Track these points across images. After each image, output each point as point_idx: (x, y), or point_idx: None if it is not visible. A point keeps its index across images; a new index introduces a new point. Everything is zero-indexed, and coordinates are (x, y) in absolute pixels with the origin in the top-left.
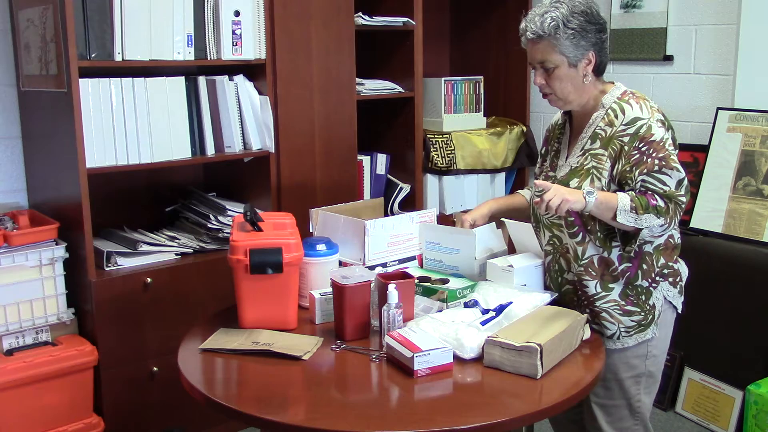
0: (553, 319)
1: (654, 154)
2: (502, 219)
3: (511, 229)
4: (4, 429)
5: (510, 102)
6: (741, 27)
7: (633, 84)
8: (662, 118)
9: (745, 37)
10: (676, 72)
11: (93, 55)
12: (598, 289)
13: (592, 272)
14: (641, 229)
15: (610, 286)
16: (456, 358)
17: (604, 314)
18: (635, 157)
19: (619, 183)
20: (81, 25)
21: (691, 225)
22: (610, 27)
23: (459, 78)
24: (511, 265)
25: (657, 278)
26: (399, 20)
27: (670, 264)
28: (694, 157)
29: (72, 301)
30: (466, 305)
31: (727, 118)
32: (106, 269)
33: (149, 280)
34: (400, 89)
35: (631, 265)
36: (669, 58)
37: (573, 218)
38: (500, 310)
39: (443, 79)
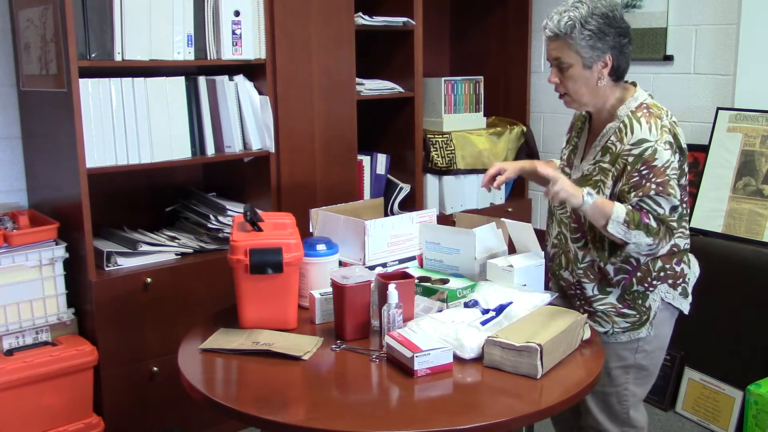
0: (553, 319)
1: (653, 179)
2: (503, 219)
3: (511, 229)
4: (4, 429)
5: (510, 102)
6: (741, 27)
7: None
8: (671, 140)
9: (745, 37)
10: (676, 72)
11: (93, 55)
12: (596, 292)
13: (591, 276)
14: (628, 244)
15: (608, 290)
16: (456, 358)
17: (600, 314)
18: (635, 179)
19: (618, 200)
20: (81, 25)
21: (691, 225)
22: None
23: (459, 78)
24: (511, 265)
25: (654, 282)
26: (399, 20)
27: (670, 266)
28: (694, 157)
29: (72, 301)
30: (466, 305)
31: (727, 118)
32: (106, 269)
33: (149, 280)
34: (400, 89)
35: (627, 276)
36: (669, 58)
37: (576, 225)
38: (500, 310)
39: (443, 79)
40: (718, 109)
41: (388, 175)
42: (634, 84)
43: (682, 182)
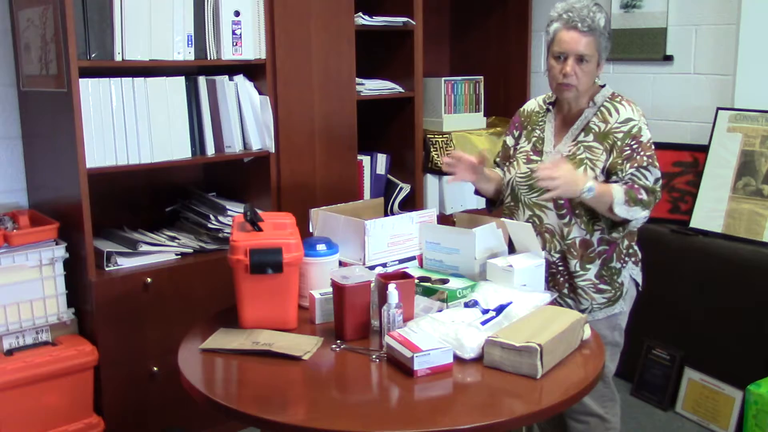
0: (553, 319)
1: (642, 153)
2: (503, 219)
3: (511, 229)
4: (4, 429)
5: (510, 102)
6: (741, 27)
7: (633, 84)
8: (646, 123)
9: (745, 37)
10: (676, 72)
11: (93, 55)
12: (577, 268)
13: (574, 252)
14: (629, 220)
15: (588, 266)
16: (456, 358)
17: (580, 290)
18: (627, 152)
19: (608, 173)
20: (81, 25)
21: (691, 225)
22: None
23: (459, 78)
24: (511, 265)
25: (625, 258)
26: (399, 20)
27: (633, 245)
28: (694, 157)
29: (72, 301)
30: (466, 305)
31: (727, 118)
32: (106, 269)
33: (149, 280)
34: (400, 89)
35: (608, 247)
36: (669, 58)
37: (563, 201)
38: (500, 310)
39: (443, 79)
40: (718, 109)
41: (388, 175)
42: (598, 85)
43: None
